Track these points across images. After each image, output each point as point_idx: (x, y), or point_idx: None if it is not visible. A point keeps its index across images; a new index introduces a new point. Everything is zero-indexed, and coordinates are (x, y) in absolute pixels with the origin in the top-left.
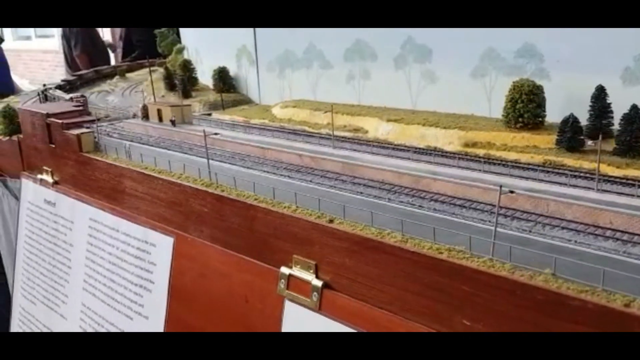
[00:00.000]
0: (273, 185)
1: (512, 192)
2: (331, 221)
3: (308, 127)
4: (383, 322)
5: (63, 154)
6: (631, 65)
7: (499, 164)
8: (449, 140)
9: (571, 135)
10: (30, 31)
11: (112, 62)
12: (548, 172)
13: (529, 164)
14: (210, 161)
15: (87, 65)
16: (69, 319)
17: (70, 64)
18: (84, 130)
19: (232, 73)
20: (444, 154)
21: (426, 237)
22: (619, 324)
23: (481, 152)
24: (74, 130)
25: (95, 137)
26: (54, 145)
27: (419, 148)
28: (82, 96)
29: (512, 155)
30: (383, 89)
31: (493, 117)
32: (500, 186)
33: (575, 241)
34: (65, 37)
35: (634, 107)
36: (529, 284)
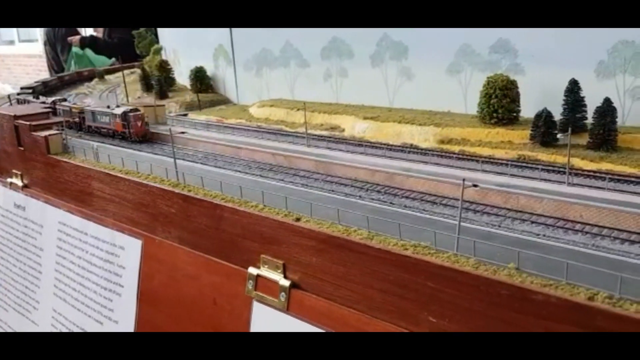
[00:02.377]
0: (240, 184)
1: (475, 185)
2: (298, 220)
3: (285, 127)
4: (351, 322)
5: (31, 156)
6: (605, 59)
7: (471, 160)
8: (424, 137)
9: (545, 130)
10: (14, 35)
11: None
12: (520, 167)
13: (501, 159)
14: (180, 161)
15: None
16: (41, 325)
17: (57, 68)
18: (52, 132)
19: (209, 73)
20: (416, 150)
21: (395, 234)
22: (582, 317)
23: (456, 148)
24: (42, 132)
25: (63, 139)
26: (22, 148)
27: (393, 145)
28: (64, 99)
29: (486, 151)
30: (360, 86)
31: (469, 114)
32: (463, 180)
33: (544, 235)
34: (50, 43)
35: (606, 100)
36: (493, 279)
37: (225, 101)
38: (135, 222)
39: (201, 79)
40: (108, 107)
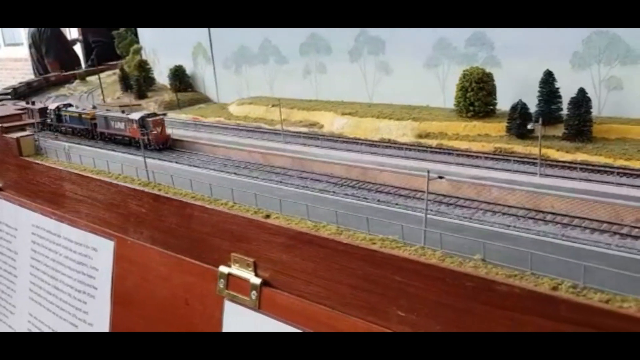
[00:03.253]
0: (212, 182)
1: (441, 177)
2: (268, 216)
3: (264, 124)
4: (322, 318)
5: (4, 158)
6: (580, 50)
7: (446, 153)
8: (402, 132)
9: (520, 122)
10: None
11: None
12: (495, 159)
13: (476, 152)
14: (152, 160)
15: (58, 69)
16: (17, 329)
17: (41, 71)
18: (24, 133)
19: (188, 71)
20: (392, 145)
21: (366, 228)
22: (546, 307)
23: (434, 142)
24: (14, 134)
25: (36, 140)
26: None
27: (368, 140)
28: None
29: (463, 145)
30: (339, 82)
31: (447, 107)
32: (428, 172)
33: (515, 226)
34: (35, 45)
35: (581, 90)
36: (459, 271)
37: (205, 100)
38: (107, 223)
39: (180, 78)
40: (123, 111)
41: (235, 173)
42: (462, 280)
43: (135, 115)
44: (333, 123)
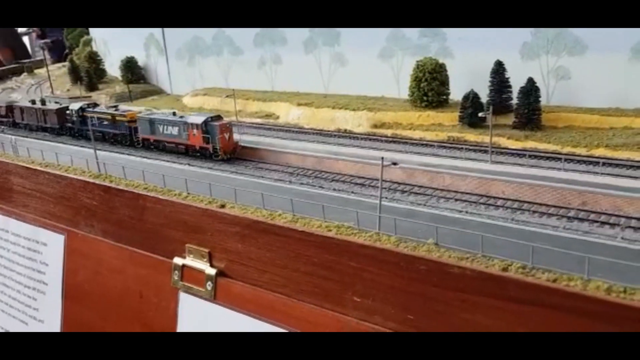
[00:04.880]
0: (164, 172)
1: (395, 164)
2: (222, 206)
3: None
4: (278, 306)
5: None
6: (529, 40)
7: (402, 142)
8: (358, 122)
9: (472, 112)
10: None
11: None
12: (448, 147)
13: (431, 140)
14: (101, 152)
15: (10, 60)
16: None
17: None
18: None
19: (141, 63)
20: (347, 135)
21: (322, 216)
22: (496, 288)
23: (389, 132)
24: None
25: None
26: None
27: (323, 130)
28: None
29: (417, 134)
30: (295, 73)
31: (402, 98)
32: (382, 158)
33: (467, 211)
34: None
35: (529, 80)
36: (412, 255)
37: (158, 91)
38: (57, 217)
39: (132, 70)
40: (174, 113)
41: (188, 164)
42: (416, 264)
43: (197, 119)
44: (289, 113)
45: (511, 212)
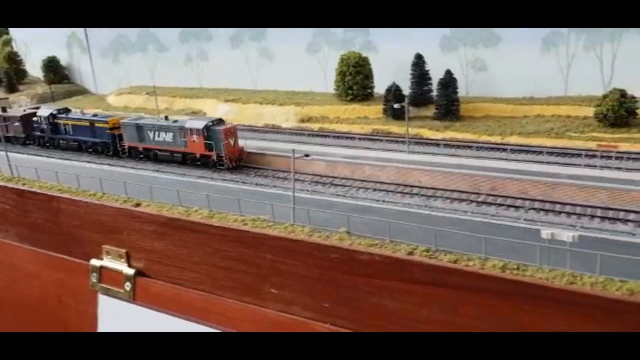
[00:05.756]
0: (78, 172)
1: (307, 155)
2: (138, 205)
3: (145, 114)
4: (198, 303)
5: None
6: (448, 33)
7: (326, 136)
8: (285, 116)
9: (395, 104)
10: None
11: None
12: (371, 139)
13: (355, 133)
14: (15, 154)
15: None
16: None
17: None
18: None
19: (64, 62)
20: (273, 130)
21: (245, 212)
22: (402, 271)
23: (316, 126)
24: None
25: None
26: None
27: (245, 125)
28: None
29: (344, 127)
30: (223, 69)
31: (329, 92)
32: (293, 150)
33: (384, 200)
34: None
35: (447, 72)
36: (325, 244)
37: (82, 91)
38: None
39: (55, 70)
40: (166, 117)
41: (109, 164)
42: (328, 253)
43: (197, 123)
44: (216, 110)
45: (425, 200)
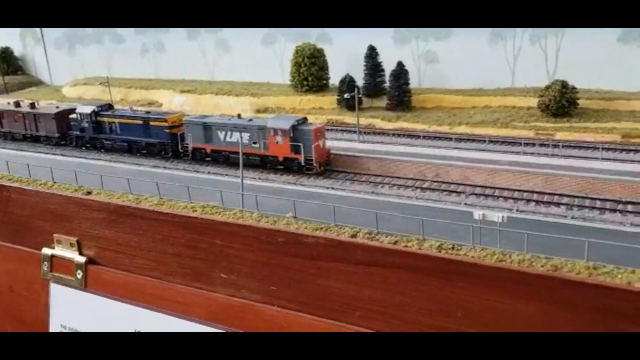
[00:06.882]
0: (29, 162)
1: (255, 143)
2: (89, 193)
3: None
4: (149, 290)
5: None
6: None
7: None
8: (241, 107)
9: (351, 96)
10: None
11: None
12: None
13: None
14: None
15: None
16: None
17: None
18: None
19: (17, 53)
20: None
21: (202, 199)
22: (345, 253)
23: (272, 116)
24: None
25: None
26: None
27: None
28: None
29: None
30: (180, 60)
31: (286, 83)
32: (241, 138)
33: (333, 187)
34: None
35: (399, 63)
36: (272, 229)
37: (37, 83)
38: None
39: (8, 61)
40: (239, 115)
41: (62, 154)
42: (275, 237)
43: (281, 122)
44: (172, 101)
45: (373, 187)
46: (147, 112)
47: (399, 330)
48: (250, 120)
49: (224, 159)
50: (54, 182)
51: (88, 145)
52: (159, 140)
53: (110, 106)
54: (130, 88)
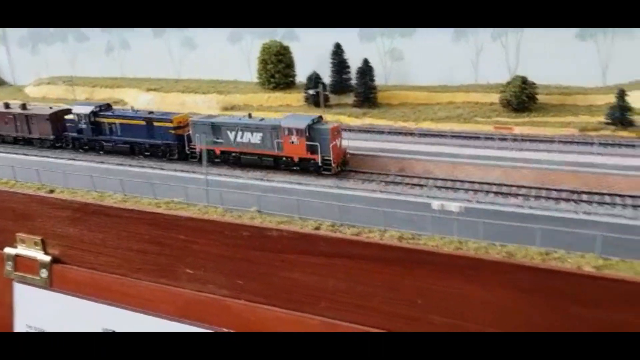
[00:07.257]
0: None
1: (216, 140)
2: (52, 191)
3: (65, 104)
4: (115, 287)
5: None
6: None
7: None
8: (208, 105)
9: (315, 92)
10: None
11: None
12: None
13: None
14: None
15: None
16: None
17: None
18: None
19: None
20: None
21: (162, 196)
22: (309, 245)
23: (239, 114)
24: None
25: None
26: None
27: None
28: None
29: (267, 115)
30: (145, 59)
31: (254, 81)
32: (202, 135)
33: (299, 183)
34: None
35: (364, 60)
36: (236, 223)
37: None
38: None
39: None
40: (249, 115)
41: (25, 153)
42: (240, 231)
43: (296, 122)
44: (138, 99)
45: (338, 180)
46: (150, 112)
47: (362, 319)
48: (262, 119)
49: (234, 160)
50: (16, 181)
51: (86, 147)
52: (164, 141)
53: (109, 106)
54: (95, 87)
